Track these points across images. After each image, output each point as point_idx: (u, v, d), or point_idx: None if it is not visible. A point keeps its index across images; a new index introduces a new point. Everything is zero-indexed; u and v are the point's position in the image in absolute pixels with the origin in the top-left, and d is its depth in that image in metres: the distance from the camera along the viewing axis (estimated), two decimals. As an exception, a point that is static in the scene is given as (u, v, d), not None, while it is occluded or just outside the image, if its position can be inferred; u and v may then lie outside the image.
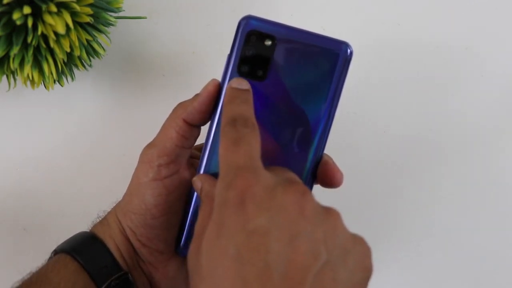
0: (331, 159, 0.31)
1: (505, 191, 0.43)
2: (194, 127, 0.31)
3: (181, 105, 0.31)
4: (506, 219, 0.42)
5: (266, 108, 0.30)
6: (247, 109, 0.27)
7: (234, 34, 0.30)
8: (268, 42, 0.30)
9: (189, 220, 0.31)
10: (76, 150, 0.42)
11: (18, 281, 0.31)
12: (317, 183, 0.31)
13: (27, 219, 0.41)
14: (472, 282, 0.42)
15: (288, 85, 0.30)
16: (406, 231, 0.42)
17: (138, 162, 0.31)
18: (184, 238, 0.32)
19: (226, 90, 0.29)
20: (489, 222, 0.42)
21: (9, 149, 0.42)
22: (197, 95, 0.31)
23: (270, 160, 0.31)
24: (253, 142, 0.25)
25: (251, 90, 0.29)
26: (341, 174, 0.30)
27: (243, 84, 0.29)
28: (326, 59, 0.30)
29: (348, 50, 0.30)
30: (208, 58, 0.43)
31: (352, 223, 0.42)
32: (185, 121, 0.31)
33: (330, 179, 0.30)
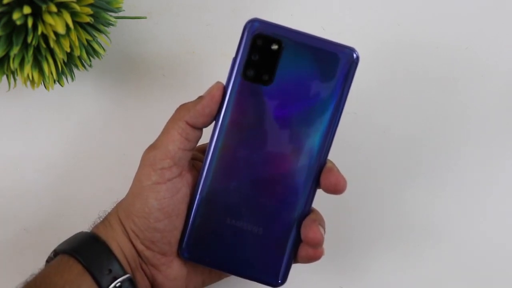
0: (335, 165, 0.31)
1: (505, 191, 0.43)
2: (196, 129, 0.31)
3: (183, 107, 0.31)
4: (506, 219, 0.42)
5: (271, 113, 0.30)
6: None
7: (239, 37, 0.30)
8: (275, 46, 0.29)
9: (192, 222, 0.31)
10: (76, 150, 0.42)
11: (21, 283, 0.30)
12: (319, 188, 0.31)
13: (27, 219, 0.41)
14: (473, 282, 0.42)
15: (294, 90, 0.30)
16: (406, 231, 0.42)
17: (140, 164, 0.31)
18: (186, 240, 0.32)
19: None
20: (490, 222, 0.42)
21: (9, 149, 0.42)
22: (200, 97, 0.31)
23: (272, 164, 0.31)
24: None
25: None
26: (345, 181, 0.30)
27: None
28: (333, 65, 0.29)
29: (355, 55, 0.29)
30: (208, 58, 0.43)
31: (352, 223, 0.42)
32: (188, 123, 0.30)
33: (333, 186, 0.30)
